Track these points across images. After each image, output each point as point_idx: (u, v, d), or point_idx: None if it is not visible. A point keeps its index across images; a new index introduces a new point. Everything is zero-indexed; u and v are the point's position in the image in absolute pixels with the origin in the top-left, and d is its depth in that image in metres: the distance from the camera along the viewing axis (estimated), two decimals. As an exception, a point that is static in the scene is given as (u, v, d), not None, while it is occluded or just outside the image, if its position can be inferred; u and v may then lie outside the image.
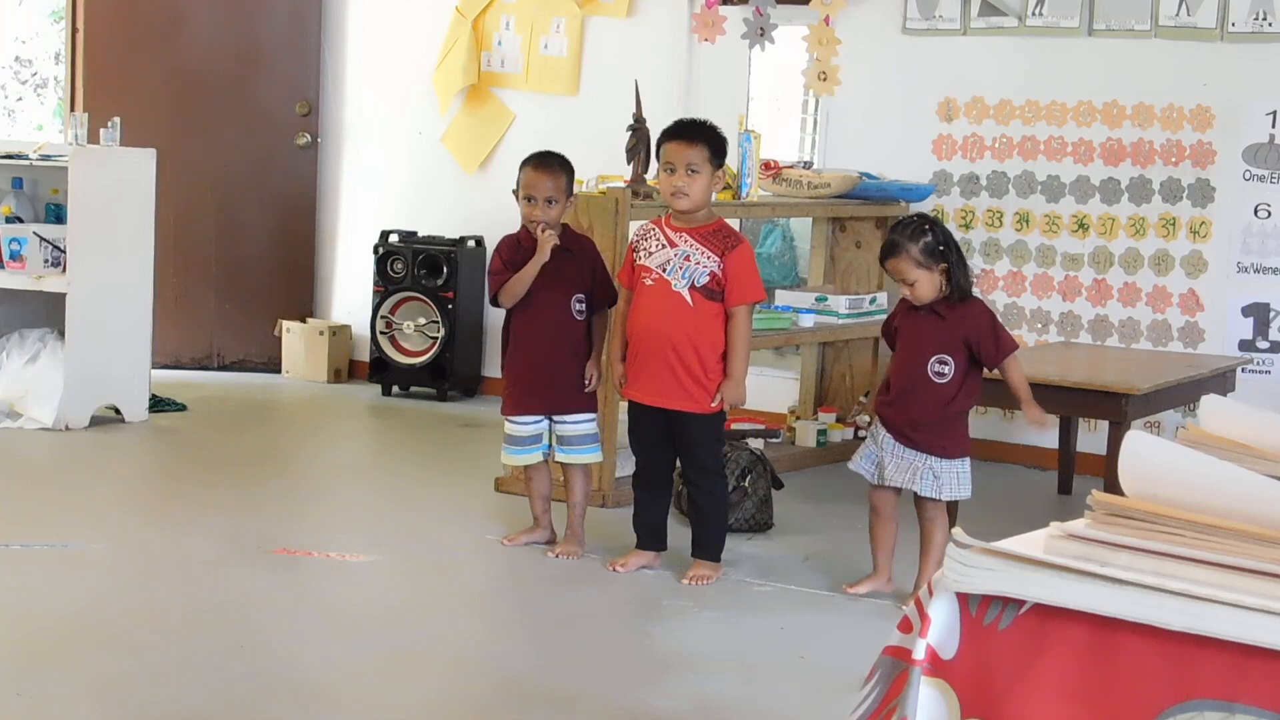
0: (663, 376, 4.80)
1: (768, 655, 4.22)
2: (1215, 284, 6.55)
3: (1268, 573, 1.83)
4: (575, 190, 5.11)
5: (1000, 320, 4.77)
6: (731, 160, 5.88)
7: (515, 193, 5.03)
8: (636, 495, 5.03)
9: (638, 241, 4.89)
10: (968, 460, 4.67)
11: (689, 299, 4.76)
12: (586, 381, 5.00)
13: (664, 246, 4.81)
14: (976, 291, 4.99)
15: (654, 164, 5.72)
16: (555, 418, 5.04)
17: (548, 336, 4.99)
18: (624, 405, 5.28)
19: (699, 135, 4.79)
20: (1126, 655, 1.88)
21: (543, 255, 4.91)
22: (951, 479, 4.63)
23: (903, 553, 4.80)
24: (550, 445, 5.07)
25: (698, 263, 4.76)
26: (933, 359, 4.59)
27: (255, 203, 8.36)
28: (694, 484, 4.93)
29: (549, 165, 4.98)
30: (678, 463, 5.00)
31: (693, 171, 4.74)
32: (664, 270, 4.79)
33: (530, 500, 5.20)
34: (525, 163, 5.03)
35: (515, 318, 5.04)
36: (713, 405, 4.81)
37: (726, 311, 4.77)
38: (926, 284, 4.57)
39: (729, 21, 6.72)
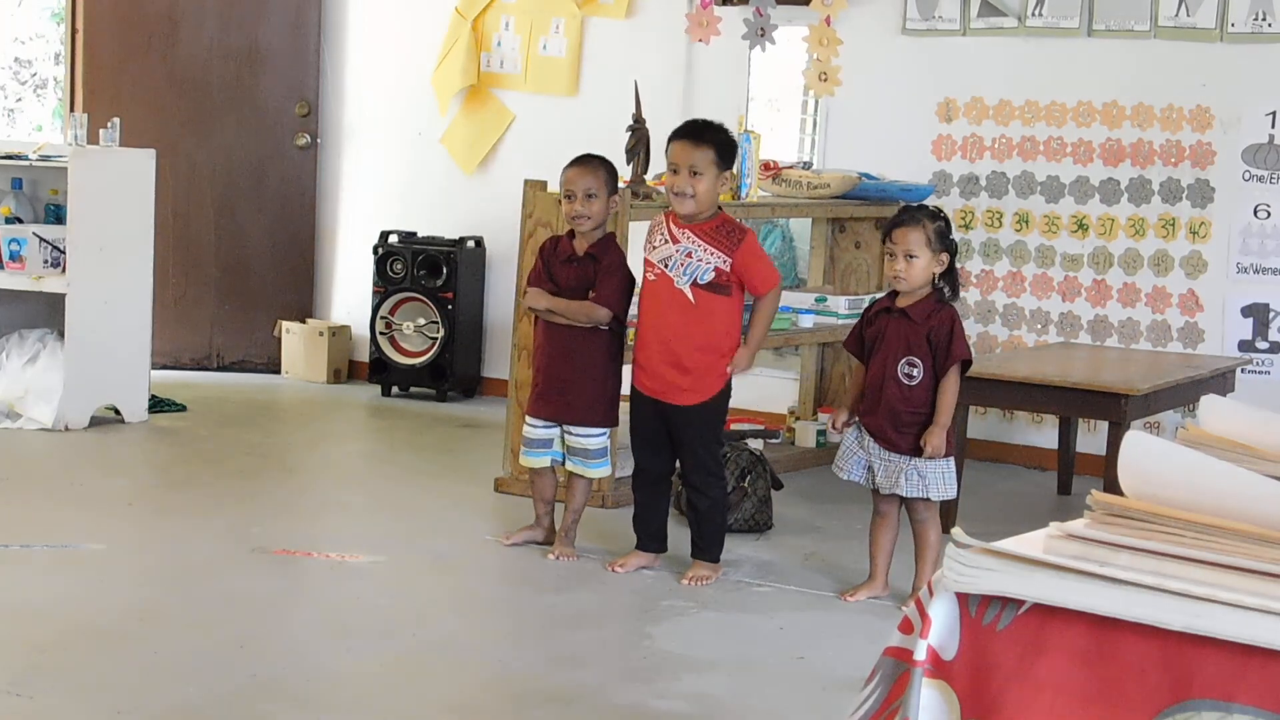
0: (662, 370, 4.82)
1: (767, 655, 4.22)
2: (1215, 284, 6.55)
3: (1267, 573, 1.83)
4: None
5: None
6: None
7: (559, 201, 5.11)
8: (636, 496, 5.03)
9: (647, 231, 4.93)
10: (951, 460, 4.67)
11: (690, 296, 4.77)
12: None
13: (667, 242, 4.82)
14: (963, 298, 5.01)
15: (654, 165, 5.74)
16: (566, 427, 5.04)
17: (560, 346, 5.00)
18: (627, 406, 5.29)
19: (705, 137, 4.79)
20: (1125, 655, 1.88)
21: (529, 306, 5.08)
22: (937, 479, 4.63)
23: (897, 554, 4.80)
24: (562, 453, 5.08)
25: (701, 260, 4.76)
26: (902, 361, 4.60)
27: (255, 203, 8.37)
28: (692, 485, 4.93)
29: (584, 161, 5.01)
30: (677, 464, 5.01)
31: (695, 174, 4.74)
32: (666, 266, 4.80)
33: (533, 500, 5.22)
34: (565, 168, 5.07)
35: (539, 320, 5.08)
36: (726, 369, 4.82)
37: (756, 299, 4.84)
38: (923, 266, 4.58)
39: (729, 22, 6.73)
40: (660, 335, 4.82)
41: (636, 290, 5.00)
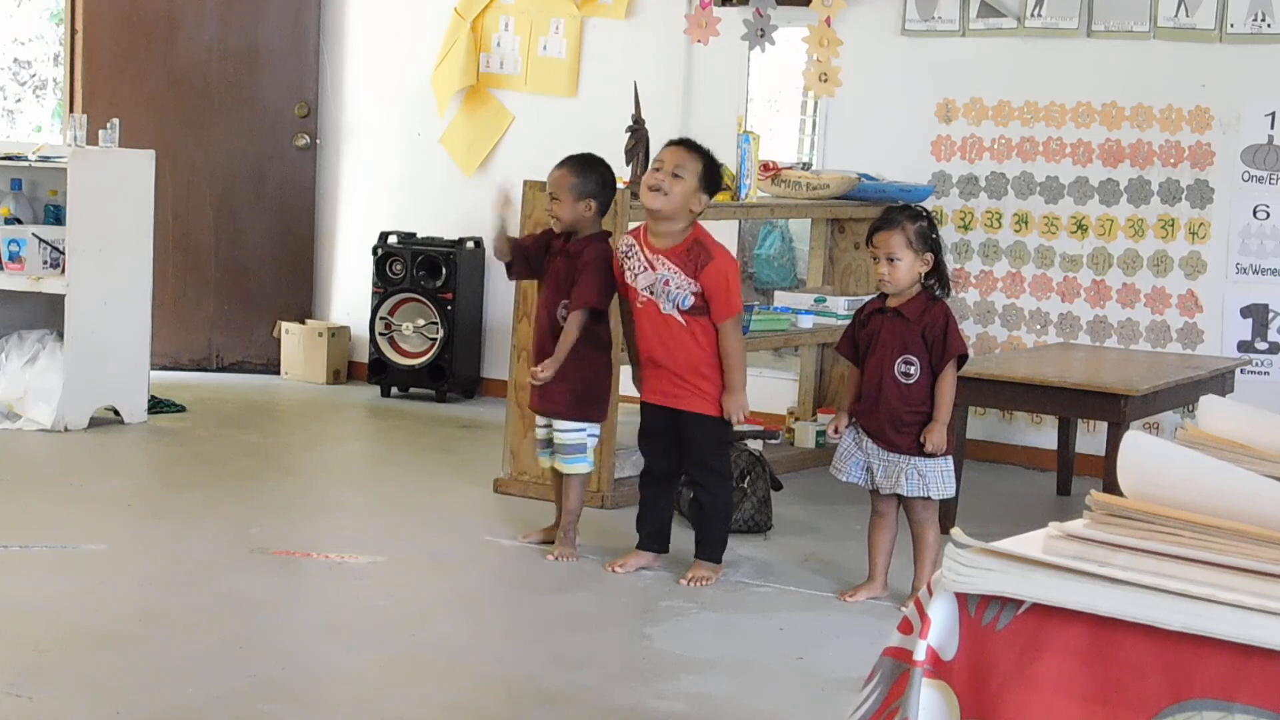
0: (671, 382, 4.84)
1: (767, 656, 4.22)
2: (1214, 285, 6.56)
3: (1266, 573, 1.83)
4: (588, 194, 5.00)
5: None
6: (730, 161, 5.90)
7: None
8: (641, 495, 5.04)
9: (623, 258, 4.89)
10: (950, 459, 4.68)
11: (681, 320, 4.78)
12: (531, 374, 4.99)
13: (646, 269, 4.81)
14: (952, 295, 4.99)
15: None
16: (552, 422, 5.07)
17: (538, 341, 5.08)
18: (627, 406, 5.30)
19: (699, 150, 4.84)
20: (1125, 655, 1.88)
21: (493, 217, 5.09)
22: (937, 477, 4.63)
23: (897, 554, 4.81)
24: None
25: (679, 287, 4.77)
26: (899, 360, 4.61)
27: (254, 204, 8.37)
28: (699, 484, 4.94)
29: (564, 163, 5.04)
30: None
31: (677, 175, 4.74)
32: (651, 293, 4.80)
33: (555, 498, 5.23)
34: None
35: (538, 316, 5.14)
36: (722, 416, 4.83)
37: (718, 331, 4.79)
38: (908, 268, 4.59)
39: (729, 22, 6.73)
40: (657, 358, 4.85)
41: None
